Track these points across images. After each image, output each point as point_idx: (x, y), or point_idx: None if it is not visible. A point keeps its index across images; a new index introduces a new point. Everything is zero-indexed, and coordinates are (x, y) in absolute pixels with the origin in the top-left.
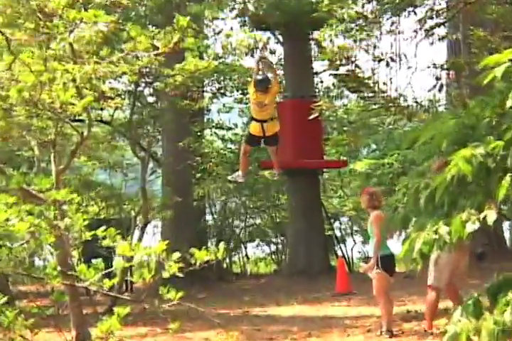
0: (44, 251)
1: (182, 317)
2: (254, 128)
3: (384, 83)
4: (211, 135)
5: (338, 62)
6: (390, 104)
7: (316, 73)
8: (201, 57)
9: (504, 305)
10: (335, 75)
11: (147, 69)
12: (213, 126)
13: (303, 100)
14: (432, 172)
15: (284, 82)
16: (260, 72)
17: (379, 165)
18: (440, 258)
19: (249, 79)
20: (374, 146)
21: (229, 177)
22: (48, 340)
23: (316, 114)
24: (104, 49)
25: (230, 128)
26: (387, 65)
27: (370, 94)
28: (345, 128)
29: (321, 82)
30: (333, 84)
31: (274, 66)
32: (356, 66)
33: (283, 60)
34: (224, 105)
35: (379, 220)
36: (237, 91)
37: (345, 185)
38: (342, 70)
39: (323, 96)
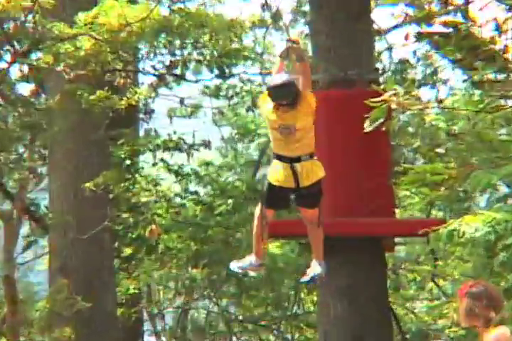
0: None
1: None
2: (278, 173)
3: None
4: (154, 165)
5: (427, 9)
6: None
7: (380, 32)
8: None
9: None
10: (421, 36)
11: (12, 24)
12: (158, 147)
13: (350, 89)
14: None
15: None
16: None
17: None
18: None
19: (236, 45)
20: (504, 188)
21: (231, 267)
22: None
23: (379, 120)
24: None
25: (191, 149)
26: None
27: (498, 77)
28: (439, 151)
29: (390, 49)
30: (416, 54)
31: (308, 59)
32: (467, 18)
33: (308, 5)
34: (182, 101)
35: None
36: (212, 71)
37: (441, 270)
38: (437, 26)
39: (392, 80)
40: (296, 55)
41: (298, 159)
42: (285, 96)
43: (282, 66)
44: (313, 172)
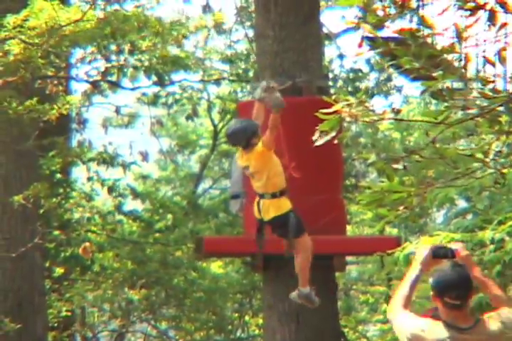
0: None
1: None
2: (254, 205)
3: (486, 59)
4: (89, 180)
5: (381, 14)
6: (500, 109)
7: (330, 37)
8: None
9: None
10: (375, 43)
11: None
12: (92, 159)
13: (298, 96)
14: None
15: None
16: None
17: (474, 244)
18: None
19: (176, 50)
20: (463, 203)
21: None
22: None
23: (330, 133)
24: None
25: (127, 166)
26: (491, 18)
27: (455, 85)
28: (397, 166)
29: (341, 56)
30: (369, 61)
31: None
32: (424, 24)
33: (254, 7)
34: (118, 110)
35: None
36: (150, 78)
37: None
38: (390, 33)
39: (344, 90)
40: (270, 105)
41: (262, 196)
42: (235, 141)
43: (260, 108)
44: (269, 211)
